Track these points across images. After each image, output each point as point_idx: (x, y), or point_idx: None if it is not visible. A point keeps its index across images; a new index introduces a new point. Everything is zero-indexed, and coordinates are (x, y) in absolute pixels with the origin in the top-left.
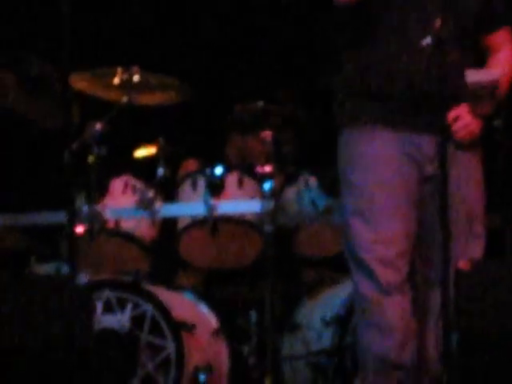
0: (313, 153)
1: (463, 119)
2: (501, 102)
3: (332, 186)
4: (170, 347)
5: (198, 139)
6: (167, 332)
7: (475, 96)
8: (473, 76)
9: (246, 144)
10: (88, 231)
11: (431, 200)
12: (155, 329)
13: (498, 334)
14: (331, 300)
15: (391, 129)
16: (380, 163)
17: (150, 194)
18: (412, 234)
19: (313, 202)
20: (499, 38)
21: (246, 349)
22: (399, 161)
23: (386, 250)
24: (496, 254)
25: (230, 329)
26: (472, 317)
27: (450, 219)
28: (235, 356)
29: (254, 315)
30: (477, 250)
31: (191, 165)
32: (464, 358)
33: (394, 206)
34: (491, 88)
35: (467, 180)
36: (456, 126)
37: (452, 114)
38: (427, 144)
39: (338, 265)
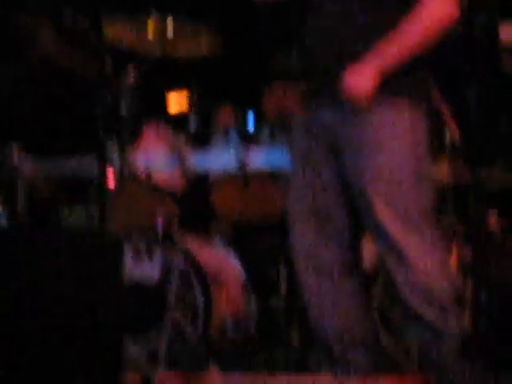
0: None
1: (348, 80)
2: None
3: None
4: (199, 299)
5: (235, 88)
6: (196, 284)
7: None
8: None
9: (287, 94)
10: (118, 180)
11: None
12: (184, 280)
13: None
14: None
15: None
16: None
17: (182, 144)
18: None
19: None
20: None
21: (274, 301)
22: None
23: None
24: None
25: (258, 281)
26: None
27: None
28: (263, 308)
29: (283, 269)
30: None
31: (227, 113)
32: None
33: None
34: None
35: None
36: (345, 89)
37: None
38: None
39: None
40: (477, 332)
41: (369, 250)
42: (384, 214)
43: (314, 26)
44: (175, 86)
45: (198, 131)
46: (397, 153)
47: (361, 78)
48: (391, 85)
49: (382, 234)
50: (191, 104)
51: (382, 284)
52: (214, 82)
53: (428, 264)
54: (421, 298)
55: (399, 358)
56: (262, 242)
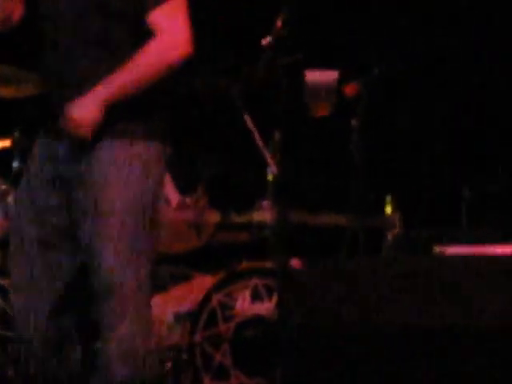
0: None
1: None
2: (357, 101)
3: (185, 183)
4: None
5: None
6: None
7: (314, 96)
8: (311, 76)
9: None
10: None
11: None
12: None
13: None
14: (183, 296)
15: None
16: None
17: (3, 187)
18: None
19: (166, 199)
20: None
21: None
22: None
23: None
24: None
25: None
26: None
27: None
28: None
29: None
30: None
31: None
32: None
33: None
34: (329, 88)
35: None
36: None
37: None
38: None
39: (191, 261)
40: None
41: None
42: (104, 254)
43: (50, 53)
44: None
45: (20, 172)
46: (123, 194)
47: (81, 110)
48: (125, 124)
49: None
50: (14, 145)
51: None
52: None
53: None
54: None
55: None
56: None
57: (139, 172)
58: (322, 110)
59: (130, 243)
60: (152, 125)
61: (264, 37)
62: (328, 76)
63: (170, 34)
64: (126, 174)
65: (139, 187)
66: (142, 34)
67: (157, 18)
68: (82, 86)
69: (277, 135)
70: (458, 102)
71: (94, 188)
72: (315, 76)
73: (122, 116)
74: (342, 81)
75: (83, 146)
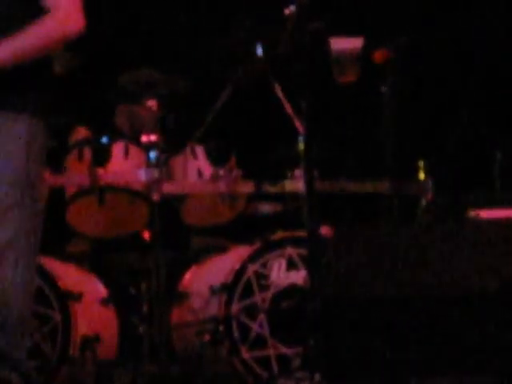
0: (200, 122)
1: None
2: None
3: (218, 154)
4: (57, 317)
5: (86, 109)
6: (54, 302)
7: (339, 64)
8: (336, 43)
9: (134, 113)
10: None
11: None
12: (42, 299)
13: (363, 299)
14: (218, 268)
15: None
16: None
17: None
18: None
19: (199, 172)
20: None
21: (135, 317)
22: None
23: None
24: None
25: (119, 298)
26: (337, 282)
27: None
28: (125, 325)
29: (144, 284)
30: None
31: (81, 133)
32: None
33: None
34: (354, 55)
35: None
36: None
37: None
38: None
39: (226, 233)
40: (309, 346)
41: None
42: None
43: None
44: None
45: (51, 149)
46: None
47: None
48: (5, 96)
49: None
50: None
51: None
52: (68, 101)
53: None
54: None
55: None
56: (122, 258)
57: (19, 146)
58: (348, 77)
59: (9, 215)
60: (34, 99)
61: (287, 6)
62: (353, 43)
63: (64, 11)
64: (6, 147)
65: (19, 162)
66: (38, 11)
67: None
68: None
69: (303, 103)
70: (490, 65)
71: None
72: (340, 43)
73: (3, 88)
74: (370, 47)
75: None
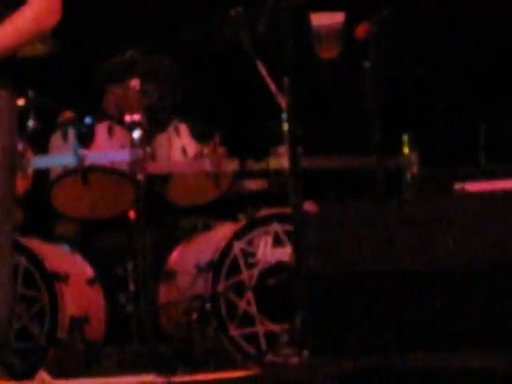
0: (183, 100)
1: None
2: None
3: (202, 132)
4: (44, 298)
5: (73, 90)
6: (40, 283)
7: (320, 39)
8: (317, 19)
9: (120, 94)
10: None
11: None
12: (29, 280)
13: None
14: (204, 246)
15: None
16: None
17: (20, 146)
18: None
19: (183, 150)
20: None
21: (123, 297)
22: None
23: None
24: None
25: (106, 278)
26: (322, 257)
27: None
28: (112, 304)
29: (130, 263)
30: None
31: (67, 116)
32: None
33: None
34: (335, 30)
35: None
36: None
37: None
38: None
39: (211, 211)
40: (296, 322)
41: None
42: None
43: None
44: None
45: (36, 131)
46: None
47: None
48: None
49: None
50: (28, 104)
51: None
52: (51, 82)
53: None
54: None
55: None
56: (108, 239)
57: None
58: (329, 52)
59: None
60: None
61: None
62: (333, 18)
63: (39, 3)
64: None
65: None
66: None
67: None
68: None
69: (286, 80)
70: (472, 38)
71: None
72: (320, 19)
73: None
74: (352, 22)
75: None
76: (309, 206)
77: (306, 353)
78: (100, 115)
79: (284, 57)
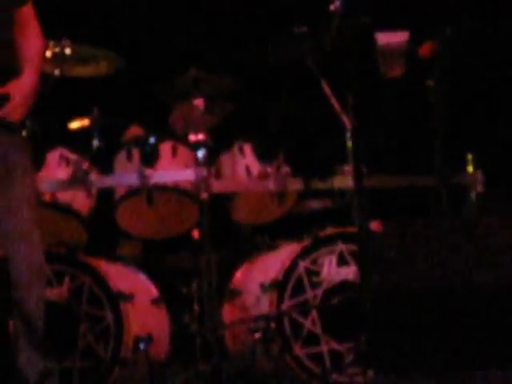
0: (248, 120)
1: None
2: (434, 62)
3: (266, 152)
4: (109, 317)
5: (139, 109)
6: (105, 302)
7: (385, 58)
8: (382, 38)
9: (186, 111)
10: None
11: None
12: (93, 300)
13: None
14: (269, 265)
15: None
16: None
17: (85, 165)
18: None
19: (248, 169)
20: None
21: (187, 317)
22: None
23: None
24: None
25: (170, 297)
26: (388, 276)
27: None
28: (176, 324)
29: (195, 283)
30: None
31: (135, 132)
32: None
33: None
34: (400, 49)
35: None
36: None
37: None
38: None
39: (276, 230)
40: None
41: None
42: None
43: None
44: (77, 106)
45: (100, 150)
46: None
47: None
48: None
49: None
50: (93, 123)
51: None
52: (116, 101)
53: None
54: None
55: None
56: (173, 258)
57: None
58: (394, 71)
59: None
60: None
61: (332, 1)
62: (398, 37)
63: (36, 28)
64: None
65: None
66: None
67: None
68: None
69: (351, 98)
70: None
71: None
72: (385, 38)
73: None
74: (417, 41)
75: None
76: (375, 226)
77: (370, 372)
78: (164, 134)
79: (349, 75)
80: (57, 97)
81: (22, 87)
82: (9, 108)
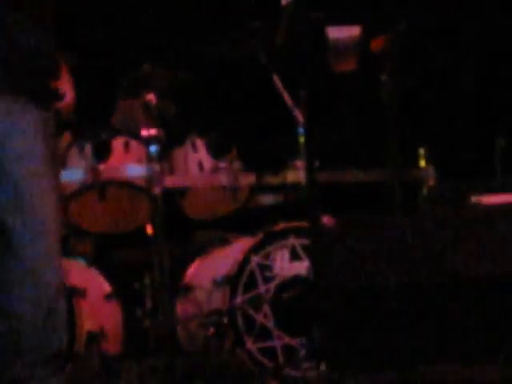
0: (199, 115)
1: None
2: (387, 56)
3: (218, 147)
4: None
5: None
6: None
7: (337, 52)
8: (333, 32)
9: (131, 108)
10: None
11: None
12: None
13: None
14: (222, 260)
15: None
16: None
17: None
18: None
19: (200, 164)
20: None
21: (140, 312)
22: None
23: None
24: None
25: (123, 292)
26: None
27: None
28: (129, 319)
29: (147, 278)
30: None
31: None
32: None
33: None
34: (351, 44)
35: None
36: None
37: None
38: None
39: (228, 225)
40: (314, 336)
41: None
42: None
43: None
44: None
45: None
46: None
47: None
48: None
49: None
50: None
51: None
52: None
53: None
54: None
55: None
56: (125, 253)
57: None
58: (346, 66)
59: None
60: None
61: None
62: (350, 31)
63: None
64: None
65: None
66: None
67: None
68: None
69: (302, 93)
70: (489, 49)
71: None
72: (337, 32)
73: None
74: (368, 35)
75: None
76: (327, 220)
77: (323, 366)
78: (115, 130)
79: (301, 70)
80: None
81: None
82: None
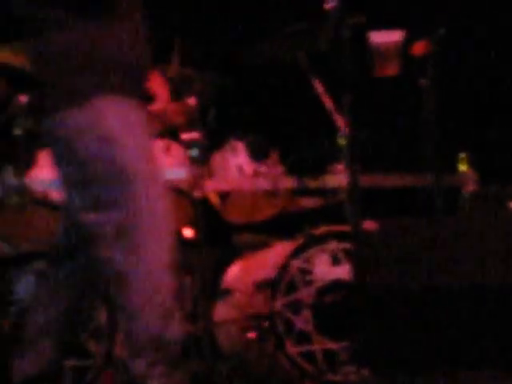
0: (240, 118)
1: None
2: (427, 61)
3: (259, 150)
4: (102, 316)
5: None
6: (99, 301)
7: (379, 57)
8: (376, 37)
9: (169, 111)
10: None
11: None
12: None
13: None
14: (262, 264)
15: None
16: None
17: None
18: None
19: (241, 168)
20: None
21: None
22: None
23: None
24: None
25: None
26: (382, 275)
27: None
28: None
29: (187, 281)
30: None
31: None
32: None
33: None
34: (394, 48)
35: None
36: None
37: None
38: None
39: (268, 229)
40: (356, 340)
41: None
42: None
43: None
44: None
45: None
46: None
47: None
48: None
49: None
50: None
51: None
52: None
53: None
54: None
55: None
56: None
57: None
58: (388, 70)
59: None
60: None
61: (327, 0)
62: (392, 36)
63: None
64: None
65: None
66: None
67: None
68: None
69: (345, 98)
70: None
71: None
72: (379, 37)
73: None
74: (409, 40)
75: None
76: (369, 225)
77: (365, 371)
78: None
79: (343, 75)
80: None
81: None
82: None
